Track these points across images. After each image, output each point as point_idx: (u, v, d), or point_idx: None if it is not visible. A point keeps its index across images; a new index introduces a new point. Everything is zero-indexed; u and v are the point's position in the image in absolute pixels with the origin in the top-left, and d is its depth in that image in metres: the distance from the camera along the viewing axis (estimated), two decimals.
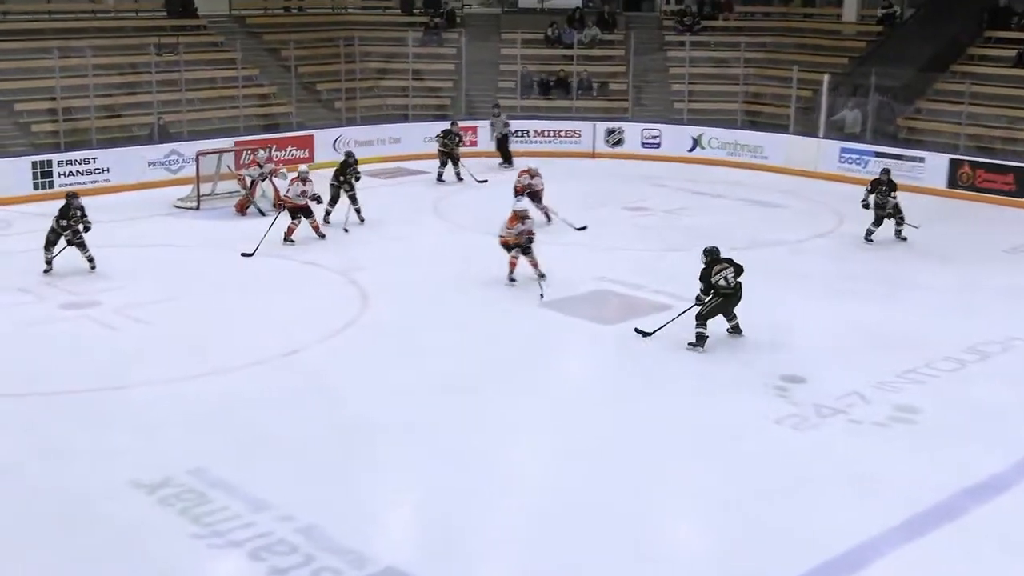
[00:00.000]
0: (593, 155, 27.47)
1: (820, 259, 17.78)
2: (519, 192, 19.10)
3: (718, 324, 13.50)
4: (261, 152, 21.24)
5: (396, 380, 12.32)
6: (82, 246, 16.74)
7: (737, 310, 13.53)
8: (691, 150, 26.85)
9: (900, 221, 18.55)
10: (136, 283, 16.08)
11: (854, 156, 24.36)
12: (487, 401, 11.78)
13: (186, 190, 21.84)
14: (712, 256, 13.34)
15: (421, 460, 10.40)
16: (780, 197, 22.29)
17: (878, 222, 18.62)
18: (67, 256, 16.73)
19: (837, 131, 25.42)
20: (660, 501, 9.70)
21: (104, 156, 22.75)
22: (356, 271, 16.62)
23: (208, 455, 10.33)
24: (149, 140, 24.03)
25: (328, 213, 19.48)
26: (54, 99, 23.24)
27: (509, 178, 20.89)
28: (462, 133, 24.50)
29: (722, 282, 13.17)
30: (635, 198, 22.40)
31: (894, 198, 18.48)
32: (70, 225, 16.67)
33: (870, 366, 12.72)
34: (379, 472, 10.19)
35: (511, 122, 26.31)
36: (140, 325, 14.21)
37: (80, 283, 15.92)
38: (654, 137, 27.24)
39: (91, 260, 16.77)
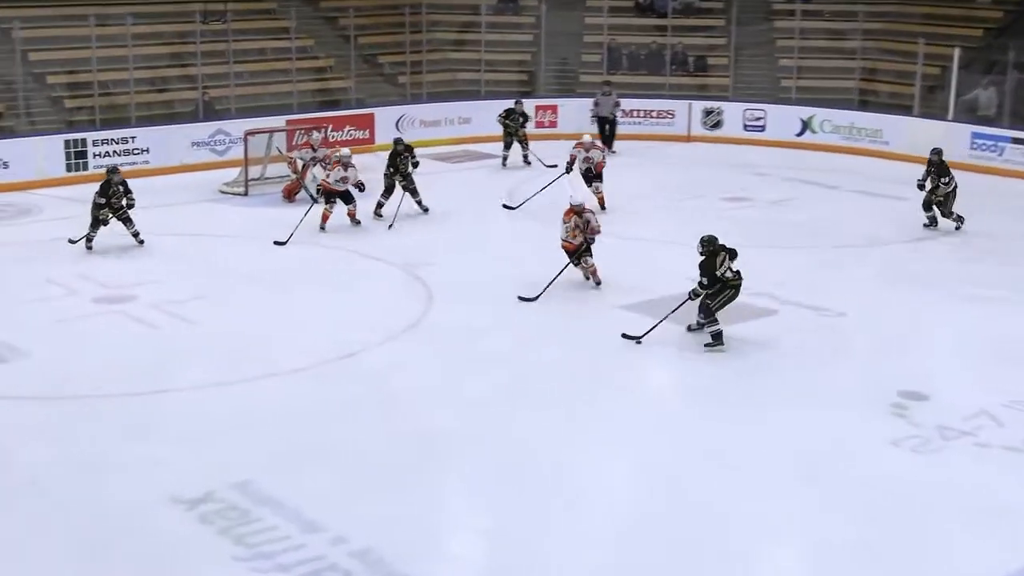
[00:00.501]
0: (688, 138, 27.37)
1: (944, 260, 17.59)
2: (570, 167, 19.36)
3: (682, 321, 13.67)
4: (316, 133, 21.48)
5: (463, 388, 12.43)
6: (128, 221, 17.39)
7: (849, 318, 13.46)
8: (800, 134, 26.65)
9: (946, 213, 18.57)
10: (177, 276, 16.37)
11: (988, 142, 24.01)
12: (563, 414, 11.81)
13: (233, 173, 22.19)
14: (712, 246, 13.46)
15: (490, 478, 10.47)
16: (901, 189, 21.96)
17: (927, 206, 18.64)
18: (100, 240, 17.10)
19: (969, 113, 25.08)
20: (757, 533, 9.65)
21: (143, 135, 23.18)
22: (421, 266, 16.77)
23: (255, 468, 10.48)
24: (193, 118, 24.40)
25: (380, 205, 19.65)
26: (89, 71, 23.67)
27: (633, 173, 20.94)
28: (527, 113, 24.55)
29: (728, 273, 13.39)
30: (735, 188, 22.29)
31: (946, 184, 18.34)
32: (111, 204, 17.12)
33: (1002, 382, 12.54)
34: (443, 490, 10.27)
35: (621, 102, 26.13)
36: (180, 323, 14.47)
37: (115, 275, 16.25)
38: (758, 119, 27.07)
39: (137, 235, 17.47)
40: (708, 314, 13.54)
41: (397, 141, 20.26)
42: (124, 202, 17.45)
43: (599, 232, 15.63)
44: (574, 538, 9.52)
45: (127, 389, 12.36)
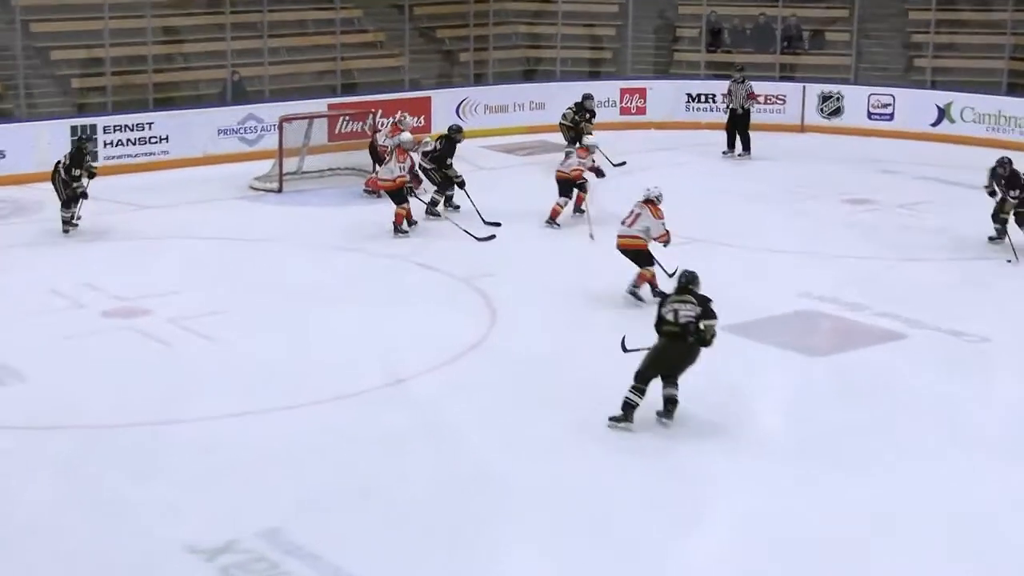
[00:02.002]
0: (802, 128, 27.25)
1: None
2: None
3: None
4: (409, 119, 21.41)
5: (530, 424, 12.40)
6: (84, 196, 18.36)
7: None
8: (936, 124, 26.45)
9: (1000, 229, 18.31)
10: (198, 287, 16.54)
11: None
12: (651, 457, 11.78)
13: (266, 166, 22.37)
14: (678, 283, 12.53)
15: (556, 533, 10.41)
16: None
17: (996, 217, 18.40)
18: (112, 245, 17.32)
19: None
20: None
21: (162, 121, 23.44)
22: (482, 277, 16.82)
23: (284, 513, 10.52)
24: (220, 101, 24.66)
25: (435, 203, 19.86)
26: (101, 46, 23.94)
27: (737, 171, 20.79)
28: (596, 109, 24.43)
29: (669, 315, 12.16)
30: (858, 187, 22.16)
31: (1014, 197, 18.08)
32: (81, 176, 18.13)
33: None
34: (503, 544, 10.26)
35: (756, 86, 25.72)
36: (202, 341, 14.60)
37: (128, 285, 16.41)
38: (885, 105, 26.90)
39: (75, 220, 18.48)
40: (635, 377, 12.25)
41: (456, 129, 20.49)
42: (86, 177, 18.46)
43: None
44: None
45: (139, 419, 12.46)
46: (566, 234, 19.14)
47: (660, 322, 12.24)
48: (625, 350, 12.60)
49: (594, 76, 28.68)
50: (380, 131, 21.99)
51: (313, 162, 22.52)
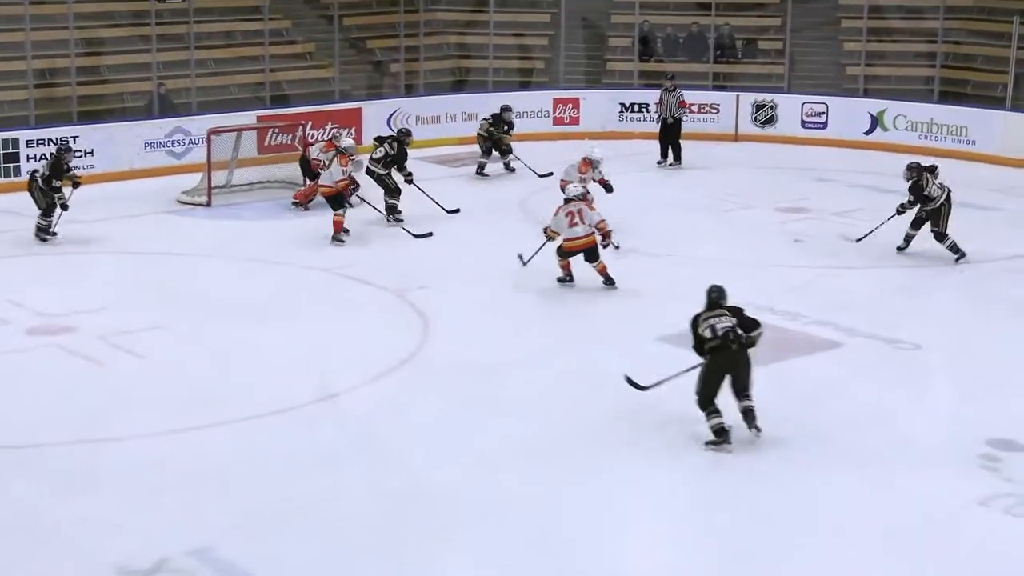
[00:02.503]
0: (736, 137, 27.43)
1: None
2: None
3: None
4: (345, 135, 21.34)
5: (466, 439, 12.39)
6: (64, 207, 18.51)
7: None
8: (869, 132, 26.70)
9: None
10: (126, 302, 16.41)
11: None
12: (586, 470, 11.78)
13: (194, 180, 22.26)
14: (708, 299, 12.51)
15: (498, 549, 10.39)
16: (992, 198, 22.02)
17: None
18: (36, 260, 17.14)
19: None
20: None
21: (87, 134, 23.28)
22: (414, 289, 16.82)
23: (215, 531, 10.46)
24: (147, 114, 24.52)
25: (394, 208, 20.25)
26: (23, 58, 23.76)
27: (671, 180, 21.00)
28: (515, 121, 24.66)
29: (707, 332, 12.20)
30: (792, 196, 22.32)
31: (910, 203, 18.38)
32: (62, 187, 18.39)
33: None
34: (439, 560, 10.21)
35: (685, 95, 25.74)
36: (130, 358, 14.49)
37: (53, 300, 16.26)
38: (819, 114, 27.13)
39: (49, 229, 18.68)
40: (699, 404, 12.25)
41: (406, 132, 21.47)
42: (70, 187, 18.79)
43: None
44: None
45: (65, 437, 12.34)
46: (498, 243, 19.15)
47: (701, 342, 12.23)
48: (642, 388, 12.71)
49: (526, 86, 28.75)
50: (312, 144, 21.94)
51: (242, 175, 22.45)
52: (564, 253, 16.89)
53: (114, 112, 24.64)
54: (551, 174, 22.12)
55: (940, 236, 18.17)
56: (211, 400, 13.22)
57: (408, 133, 21.48)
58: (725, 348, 12.09)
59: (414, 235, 19.11)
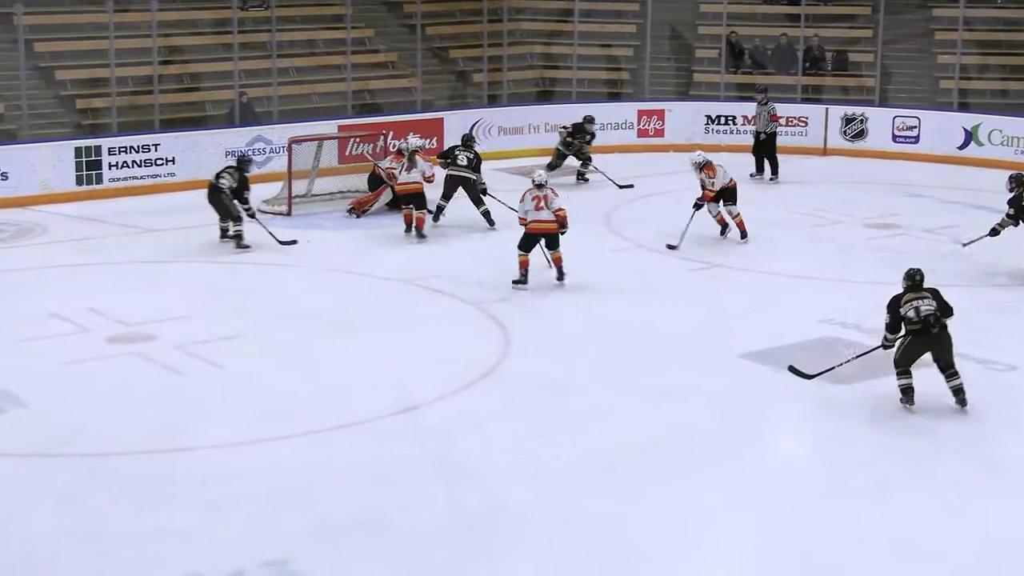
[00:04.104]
0: (824, 151, 27.27)
1: None
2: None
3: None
4: (414, 139, 21.49)
5: (542, 453, 12.39)
6: (252, 216, 19.61)
7: None
8: (963, 147, 26.44)
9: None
10: (205, 312, 16.57)
11: None
12: (666, 487, 11.74)
13: (275, 189, 22.45)
14: (911, 281, 13.44)
15: (570, 564, 10.40)
16: None
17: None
18: (117, 269, 17.32)
19: None
20: None
21: (169, 143, 23.56)
22: (496, 302, 16.87)
23: (291, 543, 10.52)
24: (228, 122, 24.75)
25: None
26: (106, 66, 24.04)
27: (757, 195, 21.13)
28: (596, 131, 24.67)
29: (911, 312, 13.22)
30: (881, 212, 22.16)
31: (1009, 216, 18.27)
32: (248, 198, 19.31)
33: None
34: None
35: (778, 107, 25.57)
36: (208, 368, 14.62)
37: (133, 309, 16.45)
38: (910, 128, 26.91)
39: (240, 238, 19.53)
40: (896, 365, 13.43)
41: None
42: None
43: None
44: None
45: (143, 447, 12.48)
46: (580, 256, 19.15)
47: (903, 322, 13.27)
48: (807, 376, 13.76)
49: (612, 98, 28.74)
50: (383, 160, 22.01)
51: (323, 184, 22.56)
52: (528, 239, 17.46)
53: (196, 120, 24.89)
54: (632, 186, 22.09)
55: None
56: (288, 411, 13.32)
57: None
58: (926, 332, 13.11)
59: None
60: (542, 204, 17.39)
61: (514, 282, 17.44)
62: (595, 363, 14.87)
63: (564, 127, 24.36)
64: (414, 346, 15.37)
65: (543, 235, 17.47)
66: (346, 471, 11.99)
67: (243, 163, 19.99)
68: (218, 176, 19.48)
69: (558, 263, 17.53)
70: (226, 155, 23.68)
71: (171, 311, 16.42)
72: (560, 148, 24.17)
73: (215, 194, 19.41)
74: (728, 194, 19.94)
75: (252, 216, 19.55)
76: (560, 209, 17.44)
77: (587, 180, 24.15)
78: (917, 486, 11.80)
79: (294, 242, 19.61)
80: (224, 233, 19.54)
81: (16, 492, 11.58)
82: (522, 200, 17.64)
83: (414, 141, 20.38)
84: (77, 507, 11.26)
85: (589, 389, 14.06)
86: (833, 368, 13.77)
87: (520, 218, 17.65)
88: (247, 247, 19.36)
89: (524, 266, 17.48)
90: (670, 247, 19.27)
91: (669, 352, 15.22)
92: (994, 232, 18.36)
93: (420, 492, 11.58)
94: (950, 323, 13.26)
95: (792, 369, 13.90)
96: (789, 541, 10.76)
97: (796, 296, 17.27)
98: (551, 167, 23.88)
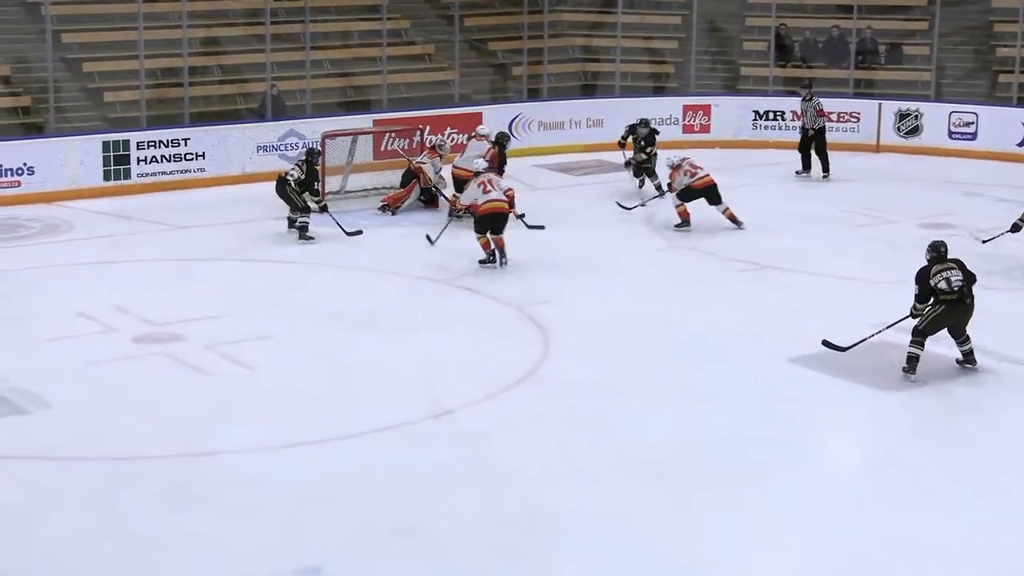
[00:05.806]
0: (877, 148, 27.18)
1: None
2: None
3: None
4: (437, 138, 21.58)
5: (580, 457, 12.43)
6: (324, 209, 20.28)
7: None
8: (1023, 144, 26.32)
9: None
10: (234, 311, 16.67)
11: None
12: (710, 494, 11.76)
13: None
14: (937, 252, 14.19)
15: (610, 570, 10.43)
16: None
17: None
18: (144, 267, 17.41)
19: None
20: None
21: (199, 137, 23.66)
22: (535, 304, 16.89)
23: (325, 551, 10.57)
24: (259, 116, 24.85)
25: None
26: (135, 58, 24.14)
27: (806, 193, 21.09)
28: (659, 129, 23.97)
29: (942, 283, 14.00)
30: (937, 211, 22.07)
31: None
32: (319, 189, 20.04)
33: None
34: None
35: (824, 103, 25.16)
36: (237, 369, 14.70)
37: (161, 308, 16.54)
38: (967, 124, 26.79)
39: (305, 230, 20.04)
40: (915, 333, 14.17)
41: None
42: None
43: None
44: None
45: (172, 449, 12.55)
46: (621, 256, 19.20)
47: (934, 292, 14.11)
48: (842, 349, 14.58)
49: (656, 92, 28.69)
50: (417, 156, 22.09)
51: (357, 180, 22.62)
52: (482, 222, 18.40)
53: (226, 114, 24.96)
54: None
55: None
56: (320, 414, 13.39)
57: (507, 137, 22.58)
58: (960, 302, 14.07)
59: (528, 226, 19.61)
60: (489, 187, 18.52)
61: (480, 262, 18.44)
62: (637, 365, 14.89)
63: (629, 160, 23.27)
64: (449, 347, 15.42)
65: (497, 214, 18.41)
66: (381, 476, 12.04)
67: (311, 155, 20.34)
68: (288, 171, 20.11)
69: (500, 246, 18.39)
70: (257, 150, 23.84)
71: (200, 310, 16.51)
72: (637, 163, 23.37)
73: (281, 186, 19.86)
74: (710, 195, 20.34)
75: (324, 209, 20.07)
76: (509, 189, 18.96)
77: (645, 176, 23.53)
78: (967, 495, 11.79)
79: (360, 232, 20.02)
80: (292, 223, 19.93)
81: (41, 494, 11.66)
82: (467, 191, 18.98)
83: (480, 163, 19.57)
84: (103, 510, 11.34)
85: (630, 392, 14.08)
86: (866, 339, 14.51)
87: (471, 206, 18.62)
88: (311, 239, 19.74)
89: (487, 247, 18.43)
90: (621, 206, 21.33)
91: (713, 355, 15.22)
92: (1015, 228, 18.37)
93: (456, 497, 11.63)
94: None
95: (826, 343, 14.59)
96: (839, 550, 10.78)
97: (844, 298, 17.22)
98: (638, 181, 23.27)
